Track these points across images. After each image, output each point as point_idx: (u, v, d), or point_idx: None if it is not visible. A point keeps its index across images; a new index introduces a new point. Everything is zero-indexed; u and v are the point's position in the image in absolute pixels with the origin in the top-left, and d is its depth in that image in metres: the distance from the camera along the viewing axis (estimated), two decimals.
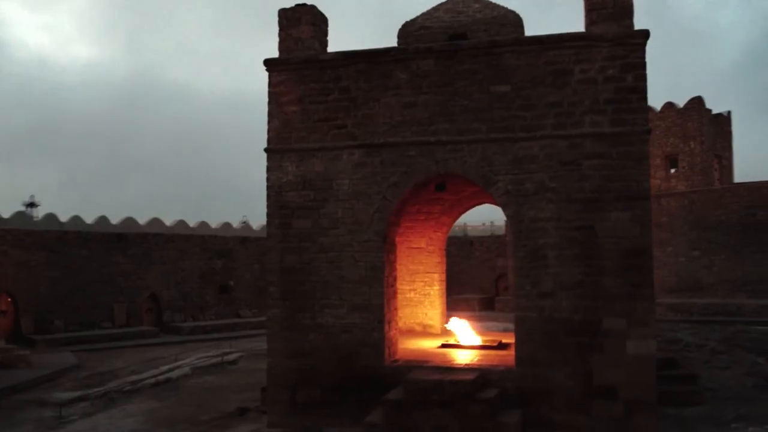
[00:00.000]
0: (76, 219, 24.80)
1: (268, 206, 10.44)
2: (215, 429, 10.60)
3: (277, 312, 10.28)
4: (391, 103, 10.05)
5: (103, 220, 25.56)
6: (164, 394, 13.31)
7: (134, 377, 14.56)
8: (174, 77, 77.26)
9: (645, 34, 9.24)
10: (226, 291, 26.44)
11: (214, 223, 30.86)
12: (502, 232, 33.88)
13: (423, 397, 8.71)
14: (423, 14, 11.68)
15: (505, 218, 32.47)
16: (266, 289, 10.47)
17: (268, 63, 10.56)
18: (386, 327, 10.06)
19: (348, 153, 10.16)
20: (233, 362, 17.21)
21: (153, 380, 14.13)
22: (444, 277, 15.10)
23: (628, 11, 9.47)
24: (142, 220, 27.32)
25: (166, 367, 15.66)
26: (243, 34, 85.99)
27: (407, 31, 11.54)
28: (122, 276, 23.13)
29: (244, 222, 31.29)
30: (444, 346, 12.01)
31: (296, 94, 10.41)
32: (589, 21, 9.60)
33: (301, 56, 10.45)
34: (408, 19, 11.63)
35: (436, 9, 11.66)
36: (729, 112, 31.51)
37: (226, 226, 31.01)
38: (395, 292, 10.74)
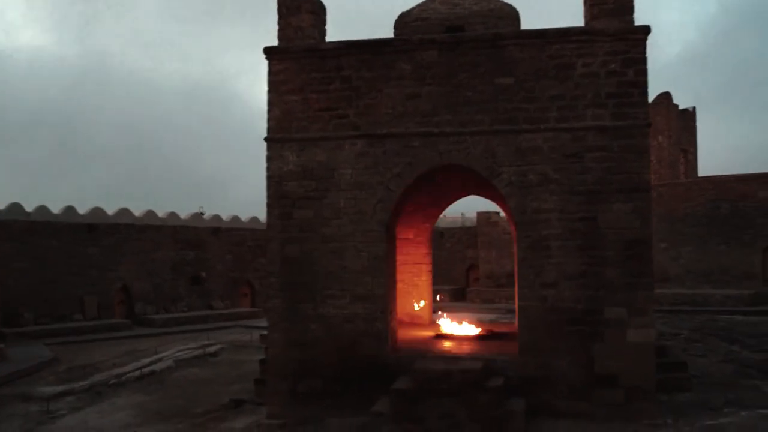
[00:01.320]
0: (42, 209, 24.01)
1: (268, 196, 10.32)
2: (212, 422, 10.48)
3: (278, 302, 10.19)
4: (394, 94, 10.03)
5: (70, 210, 24.80)
6: (151, 388, 13.08)
7: (118, 370, 14.28)
8: (127, 66, 75.19)
9: (646, 30, 9.43)
10: (198, 282, 26.10)
11: (184, 213, 30.33)
12: (472, 224, 34.20)
13: (431, 386, 8.76)
14: (419, 5, 11.69)
15: (476, 211, 32.85)
16: (266, 280, 10.36)
17: (268, 51, 10.41)
18: (388, 317, 10.08)
19: (350, 143, 10.11)
20: (215, 354, 17.01)
21: (138, 373, 13.88)
22: (431, 268, 15.18)
23: (628, 7, 9.64)
24: (110, 210, 26.63)
25: (148, 360, 15.39)
26: (198, 22, 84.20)
27: (404, 21, 11.53)
28: (93, 267, 22.59)
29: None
30: (438, 336, 12.11)
31: (297, 83, 10.30)
32: (591, 16, 9.75)
33: (302, 45, 10.34)
34: (396, 9, 11.66)
35: (431, 0, 11.69)
36: (694, 108, 32.45)
37: (196, 216, 30.51)
38: (395, 283, 10.78)
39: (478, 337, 11.86)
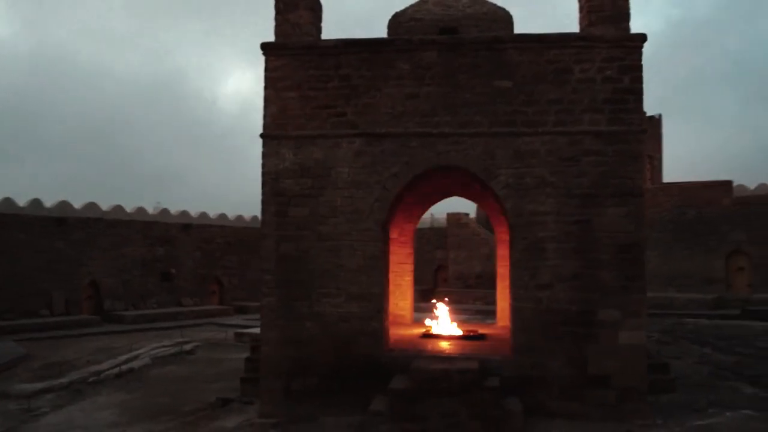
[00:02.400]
0: (7, 201, 23.30)
1: (264, 193, 10.23)
2: (202, 420, 10.31)
3: (273, 300, 10.10)
4: (393, 93, 10.05)
5: (36, 202, 24.14)
6: (131, 385, 12.82)
7: (95, 368, 13.95)
8: (82, 57, 73.15)
9: (642, 38, 9.65)
10: (168, 279, 25.66)
11: (151, 208, 29.82)
12: (441, 224, 34.39)
13: (431, 385, 8.81)
14: (412, 5, 11.74)
15: (446, 212, 32.95)
16: (260, 278, 10.24)
17: (266, 47, 10.32)
18: (384, 316, 10.09)
19: (348, 141, 10.09)
20: (191, 352, 16.76)
21: (117, 371, 13.59)
22: (413, 268, 15.24)
23: (624, 14, 9.84)
24: (77, 203, 26.01)
25: (125, 357, 15.07)
26: (155, 16, 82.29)
27: (398, 21, 11.57)
28: (62, 262, 22.02)
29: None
30: (425, 335, 12.16)
31: (295, 80, 10.23)
32: (588, 22, 9.91)
33: (301, 42, 10.27)
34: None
35: (425, 1, 11.74)
36: (660, 115, 33.24)
37: (165, 212, 30.01)
38: (388, 282, 10.79)
39: (464, 337, 11.94)
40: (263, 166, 10.25)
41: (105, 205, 27.55)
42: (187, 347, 16.97)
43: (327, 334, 9.98)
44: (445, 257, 33.03)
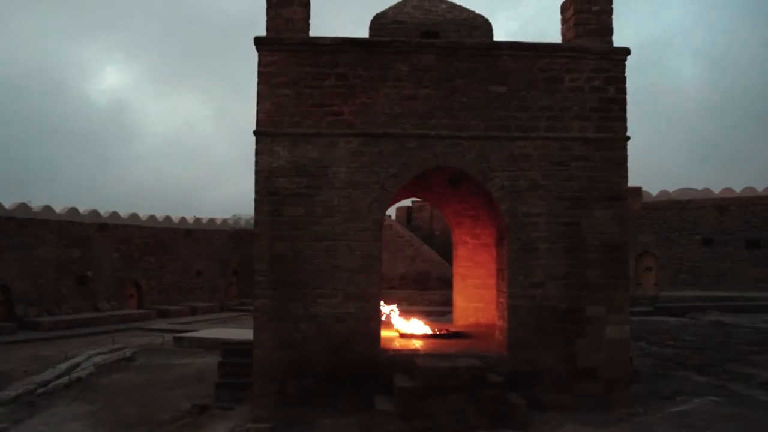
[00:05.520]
0: None
1: (257, 192, 9.95)
2: (187, 429, 9.89)
3: (266, 302, 9.84)
4: (391, 94, 10.10)
5: None
6: (87, 396, 12.01)
7: (38, 378, 12.90)
8: None
9: (626, 51, 10.29)
10: (84, 282, 24.11)
11: (59, 207, 27.86)
12: None
13: (439, 382, 8.95)
14: (393, 8, 11.82)
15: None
16: (253, 278, 9.95)
17: (260, 41, 10.06)
18: (379, 316, 10.11)
19: (345, 141, 10.03)
20: (131, 359, 15.90)
21: (66, 380, 12.66)
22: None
23: (607, 29, 10.45)
24: None
25: (65, 366, 14.03)
26: (19, 6, 76.68)
27: (380, 23, 11.60)
28: None
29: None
30: (402, 335, 12.25)
31: (290, 77, 10.04)
32: (575, 34, 10.43)
33: (297, 38, 10.10)
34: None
35: (404, 4, 11.87)
36: None
37: (73, 210, 28.12)
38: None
39: (441, 336, 12.14)
40: (256, 163, 9.98)
41: (8, 203, 25.42)
42: (127, 354, 16.08)
43: (322, 335, 9.86)
44: None
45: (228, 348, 11.98)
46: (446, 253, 25.81)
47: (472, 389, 8.97)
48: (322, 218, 9.96)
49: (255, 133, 9.99)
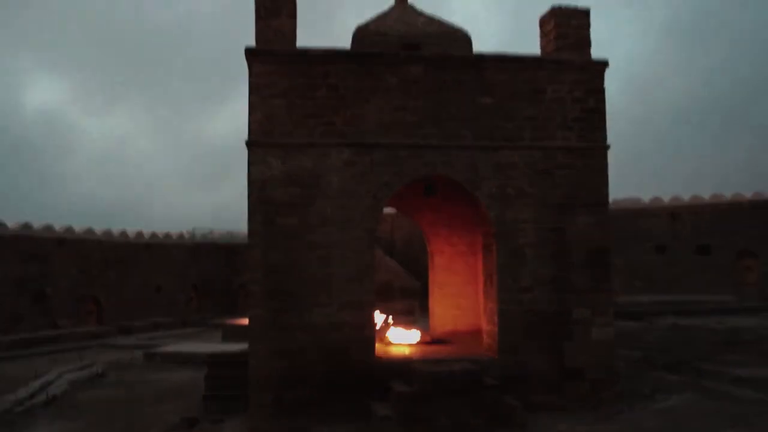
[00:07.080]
0: None
1: (250, 203, 9.97)
2: None
3: (261, 312, 9.84)
4: (382, 105, 10.30)
5: None
6: (68, 413, 11.70)
7: (12, 397, 12.50)
8: None
9: (605, 63, 10.77)
10: (42, 300, 23.36)
11: (12, 222, 26.94)
12: None
13: (436, 387, 9.11)
14: (374, 20, 12.06)
15: None
16: (248, 289, 9.95)
17: (250, 53, 10.12)
18: (373, 323, 10.24)
19: (337, 151, 10.16)
20: (103, 375, 15.56)
21: (44, 398, 12.31)
22: None
23: (585, 42, 10.91)
24: None
25: (38, 384, 13.64)
26: None
27: (362, 35, 11.82)
28: None
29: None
30: (389, 344, 12.39)
31: (281, 87, 10.13)
32: (555, 47, 10.86)
33: (288, 49, 10.21)
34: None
35: (384, 16, 12.14)
36: None
37: (26, 226, 27.22)
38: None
39: (427, 342, 12.34)
40: (249, 174, 10.00)
41: None
42: (99, 370, 15.72)
43: (318, 343, 9.92)
44: None
45: (214, 360, 11.87)
46: (407, 263, 26.17)
47: (469, 392, 9.17)
48: (316, 227, 10.05)
49: (247, 143, 10.03)
